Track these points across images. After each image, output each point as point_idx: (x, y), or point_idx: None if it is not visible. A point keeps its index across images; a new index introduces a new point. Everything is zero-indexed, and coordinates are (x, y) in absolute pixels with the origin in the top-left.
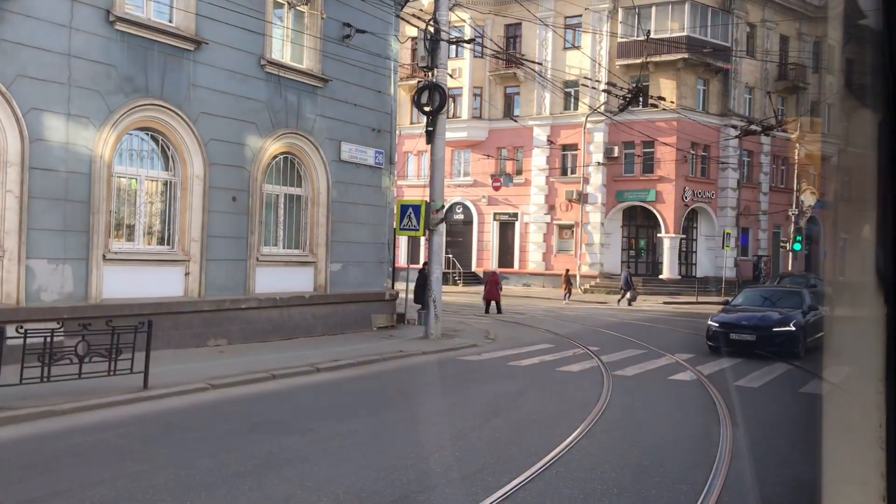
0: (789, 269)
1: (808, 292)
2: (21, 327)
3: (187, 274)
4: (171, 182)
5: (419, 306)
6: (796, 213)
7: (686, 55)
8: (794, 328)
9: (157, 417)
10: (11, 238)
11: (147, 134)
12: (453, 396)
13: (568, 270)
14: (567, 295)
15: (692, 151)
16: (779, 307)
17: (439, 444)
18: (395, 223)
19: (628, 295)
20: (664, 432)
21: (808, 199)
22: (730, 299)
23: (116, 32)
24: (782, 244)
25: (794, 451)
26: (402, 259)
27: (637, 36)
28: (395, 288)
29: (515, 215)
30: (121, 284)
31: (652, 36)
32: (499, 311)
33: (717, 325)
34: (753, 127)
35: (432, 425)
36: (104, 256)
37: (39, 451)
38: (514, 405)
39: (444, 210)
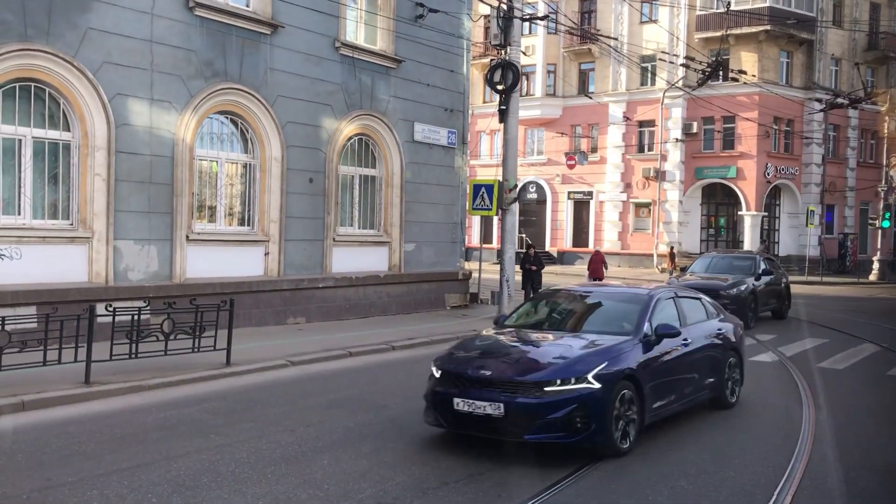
0: (878, 246)
1: (707, 301)
2: (110, 306)
3: (267, 254)
4: (250, 164)
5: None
6: (885, 188)
7: (768, 27)
8: (596, 385)
9: (240, 393)
10: (100, 220)
11: (226, 117)
12: None
13: (672, 248)
14: (671, 272)
15: (775, 126)
16: (591, 331)
17: None
18: (467, 203)
19: None
20: (744, 414)
21: None
22: (505, 313)
23: (196, 18)
24: (871, 221)
25: (881, 435)
26: (475, 239)
27: (716, 8)
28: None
29: (590, 194)
30: (203, 264)
31: (732, 7)
32: None
33: (438, 374)
34: (840, 100)
35: None
36: (187, 237)
37: (128, 424)
38: None
39: (518, 189)
